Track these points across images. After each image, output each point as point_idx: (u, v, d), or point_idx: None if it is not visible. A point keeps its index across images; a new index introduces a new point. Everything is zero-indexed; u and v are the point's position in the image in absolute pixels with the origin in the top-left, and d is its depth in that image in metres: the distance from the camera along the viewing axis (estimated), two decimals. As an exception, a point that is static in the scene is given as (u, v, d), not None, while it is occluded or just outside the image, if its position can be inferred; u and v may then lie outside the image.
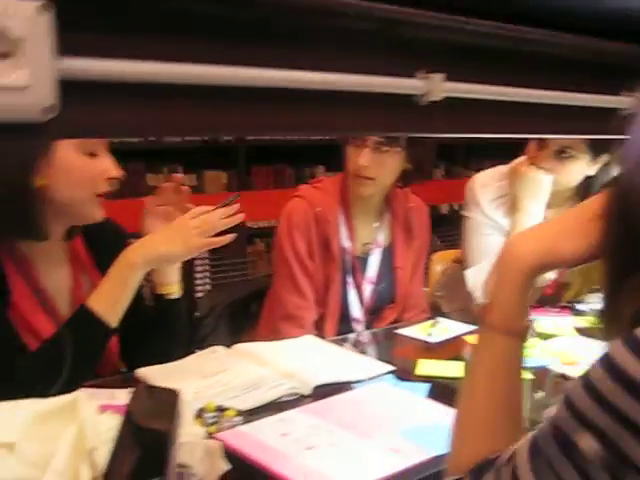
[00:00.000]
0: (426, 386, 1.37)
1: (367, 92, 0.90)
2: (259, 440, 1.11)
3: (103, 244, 1.46)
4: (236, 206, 1.39)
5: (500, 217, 1.97)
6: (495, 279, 0.81)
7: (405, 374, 1.44)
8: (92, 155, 1.30)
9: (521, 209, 1.88)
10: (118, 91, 0.71)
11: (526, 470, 0.65)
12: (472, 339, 1.69)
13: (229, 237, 1.38)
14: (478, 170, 2.16)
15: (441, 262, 2.40)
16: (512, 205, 1.94)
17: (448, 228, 3.70)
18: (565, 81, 1.12)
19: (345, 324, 1.90)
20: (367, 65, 0.89)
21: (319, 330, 1.83)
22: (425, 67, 0.95)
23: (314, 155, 4.14)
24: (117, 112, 0.72)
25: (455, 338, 1.72)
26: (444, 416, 1.22)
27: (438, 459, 1.06)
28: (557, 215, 1.94)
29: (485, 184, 2.02)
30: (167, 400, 0.96)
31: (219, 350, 1.52)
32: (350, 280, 1.88)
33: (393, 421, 1.19)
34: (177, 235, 1.35)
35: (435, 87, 0.94)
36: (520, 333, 0.78)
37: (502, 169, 2.05)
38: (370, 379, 1.40)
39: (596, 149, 1.84)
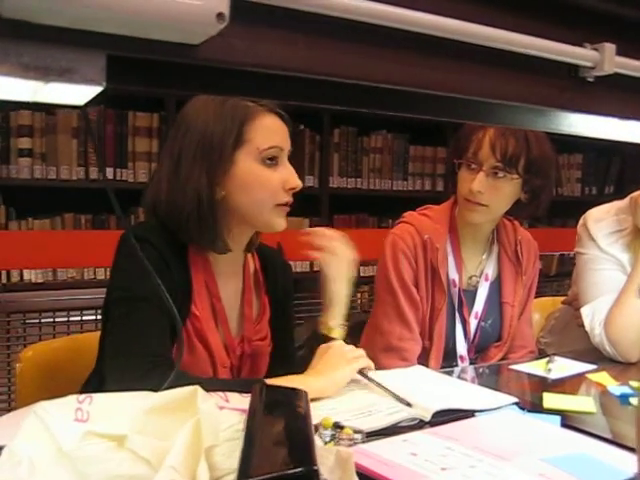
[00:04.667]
0: (557, 418, 1.23)
1: (529, 56, 0.81)
2: (386, 459, 0.99)
3: (272, 267, 1.51)
4: None
5: (618, 252, 1.83)
6: None
7: (531, 406, 1.30)
8: (272, 165, 1.30)
9: None
10: (286, 20, 0.65)
11: None
12: (597, 377, 1.54)
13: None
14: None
15: (541, 309, 2.27)
16: (635, 238, 1.80)
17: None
18: None
19: (449, 361, 1.77)
20: (531, 28, 0.82)
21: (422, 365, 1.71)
22: (591, 40, 0.87)
23: (396, 205, 4.07)
24: (281, 44, 0.65)
25: (577, 375, 1.57)
26: (586, 446, 1.08)
27: (592, 488, 0.93)
28: None
29: (599, 218, 1.89)
30: (294, 397, 0.87)
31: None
32: (456, 314, 1.77)
33: (532, 447, 1.05)
34: (339, 360, 1.34)
35: (606, 59, 0.86)
36: None
37: (618, 203, 1.93)
38: (494, 409, 1.27)
39: None
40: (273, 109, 1.30)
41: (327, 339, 1.44)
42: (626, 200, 1.91)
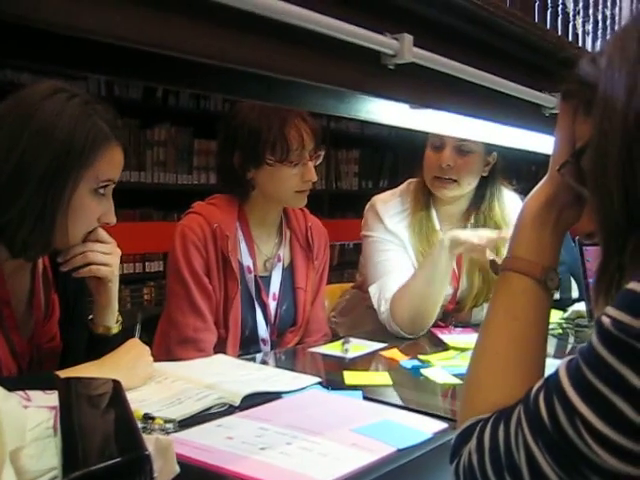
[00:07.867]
0: (359, 392, 1.29)
1: (336, 39, 0.84)
2: (203, 444, 0.98)
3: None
4: None
5: (401, 231, 1.98)
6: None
7: (334, 384, 1.36)
8: (99, 196, 1.24)
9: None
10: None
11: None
12: (389, 353, 1.64)
13: None
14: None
15: (330, 296, 2.36)
16: (415, 220, 1.97)
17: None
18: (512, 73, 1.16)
19: (249, 347, 1.78)
20: (337, 12, 0.84)
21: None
22: (393, 31, 0.92)
23: (181, 199, 4.02)
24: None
25: (371, 354, 1.66)
26: (390, 415, 1.15)
27: (401, 452, 0.99)
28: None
29: (386, 200, 2.04)
30: (106, 388, 0.83)
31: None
32: (255, 299, 1.78)
33: (342, 421, 1.10)
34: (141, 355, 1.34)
35: (405, 48, 0.91)
36: (535, 274, 0.75)
37: (399, 188, 2.10)
38: (300, 390, 1.31)
39: (488, 145, 1.89)
40: (122, 141, 1.27)
41: (106, 339, 1.38)
42: (405, 184, 2.09)
